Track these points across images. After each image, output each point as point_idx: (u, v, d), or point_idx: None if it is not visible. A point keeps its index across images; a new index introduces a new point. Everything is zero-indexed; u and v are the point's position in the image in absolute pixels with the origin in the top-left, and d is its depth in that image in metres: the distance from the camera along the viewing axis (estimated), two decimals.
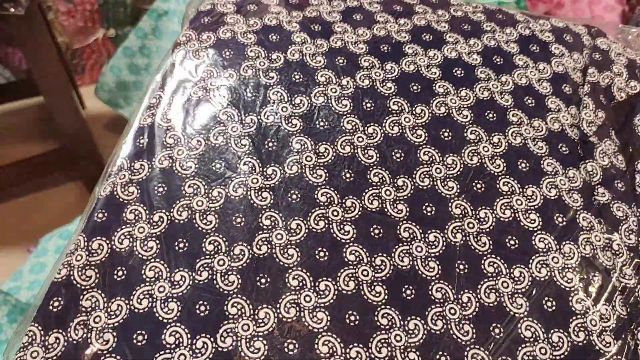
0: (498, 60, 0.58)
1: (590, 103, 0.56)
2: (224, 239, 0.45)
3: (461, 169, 0.51)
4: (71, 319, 0.42)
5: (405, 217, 0.47)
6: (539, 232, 0.48)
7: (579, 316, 0.45)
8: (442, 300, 0.44)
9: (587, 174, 0.52)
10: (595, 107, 0.56)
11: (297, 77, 0.54)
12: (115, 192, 0.47)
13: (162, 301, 0.42)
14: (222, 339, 0.41)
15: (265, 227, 0.46)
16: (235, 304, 0.43)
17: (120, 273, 0.44)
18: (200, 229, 0.46)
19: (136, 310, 0.42)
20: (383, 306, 0.43)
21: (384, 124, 0.52)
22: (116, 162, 0.49)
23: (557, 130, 0.54)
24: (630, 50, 0.62)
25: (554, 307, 0.45)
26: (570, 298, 0.46)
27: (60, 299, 0.43)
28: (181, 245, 0.45)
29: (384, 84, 0.54)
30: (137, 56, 1.07)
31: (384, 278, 0.45)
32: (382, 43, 0.58)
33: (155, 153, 0.49)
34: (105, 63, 1.46)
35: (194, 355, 0.41)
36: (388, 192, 0.49)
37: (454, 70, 0.56)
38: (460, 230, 0.47)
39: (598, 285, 0.47)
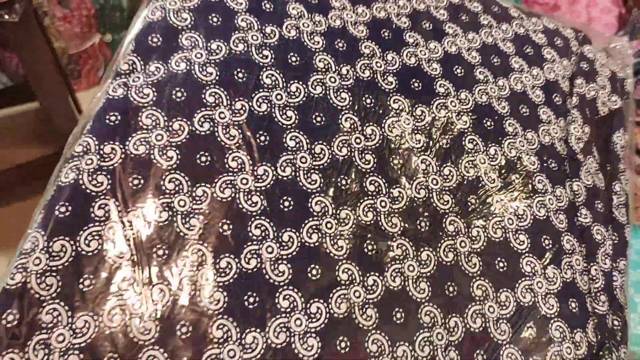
0: (495, 60, 0.58)
1: (578, 117, 0.57)
2: (210, 249, 0.40)
3: (458, 181, 0.50)
4: (29, 337, 0.35)
5: (400, 233, 0.45)
6: (527, 254, 0.49)
7: (556, 344, 0.46)
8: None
9: (573, 194, 0.53)
10: (583, 122, 0.57)
11: (293, 59, 0.49)
12: (80, 181, 0.40)
13: (140, 320, 0.37)
14: None
15: (255, 237, 0.42)
16: (221, 326, 0.37)
17: (87, 282, 0.37)
18: (182, 234, 0.40)
19: (107, 328, 0.36)
20: (373, 331, 0.41)
21: (383, 125, 0.49)
22: (82, 140, 0.41)
23: (548, 144, 0.55)
24: (612, 61, 0.64)
25: (534, 336, 0.45)
26: (550, 325, 0.46)
27: (14, 312, 0.35)
28: (160, 252, 0.39)
29: (385, 77, 0.52)
30: None
31: (375, 300, 0.42)
32: (382, 28, 0.55)
33: (129, 135, 0.42)
34: (101, 68, 1.46)
35: None
36: (383, 203, 0.46)
37: (454, 69, 0.55)
38: (452, 250, 0.46)
39: (575, 311, 0.48)
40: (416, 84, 0.52)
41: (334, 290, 0.41)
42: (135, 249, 0.38)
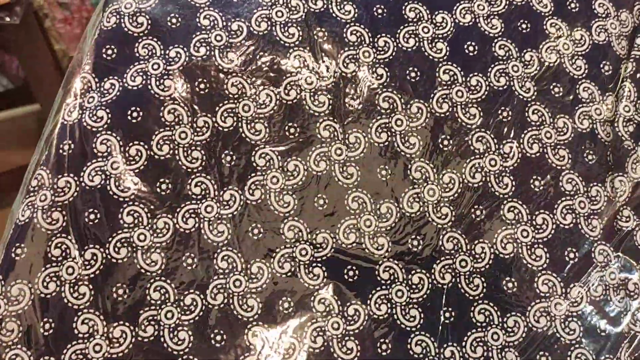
0: (524, 26, 0.45)
1: (632, 90, 0.45)
2: (173, 285, 0.37)
3: (460, 188, 0.42)
4: None
5: (386, 256, 0.40)
6: (544, 271, 0.41)
7: None
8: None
9: (613, 191, 0.43)
10: (638, 97, 0.45)
11: (262, 60, 0.42)
12: (35, 218, 0.38)
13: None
14: None
15: (221, 270, 0.38)
16: None
17: (47, 326, 0.35)
18: (143, 272, 0.37)
19: None
20: None
21: (369, 131, 0.42)
22: (35, 174, 0.39)
23: (586, 131, 0.44)
24: None
25: None
26: (569, 353, 0.39)
27: None
28: (120, 292, 0.37)
29: (375, 69, 0.43)
30: None
31: (356, 331, 0.38)
32: (376, 4, 0.44)
33: (84, 165, 0.39)
34: None
35: None
36: (368, 223, 0.40)
37: (465, 46, 0.44)
38: (450, 271, 0.40)
39: (604, 336, 0.40)
40: (413, 74, 0.43)
41: (310, 324, 0.38)
42: (95, 289, 0.37)
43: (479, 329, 0.39)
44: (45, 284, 0.36)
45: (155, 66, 0.41)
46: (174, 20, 0.42)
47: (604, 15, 0.46)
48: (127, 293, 0.37)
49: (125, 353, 0.36)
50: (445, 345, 0.38)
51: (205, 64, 0.41)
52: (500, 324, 0.39)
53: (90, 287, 0.37)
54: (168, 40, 0.42)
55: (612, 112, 0.44)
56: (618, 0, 0.48)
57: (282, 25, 0.43)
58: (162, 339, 0.36)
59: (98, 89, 0.40)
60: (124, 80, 0.41)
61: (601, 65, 0.45)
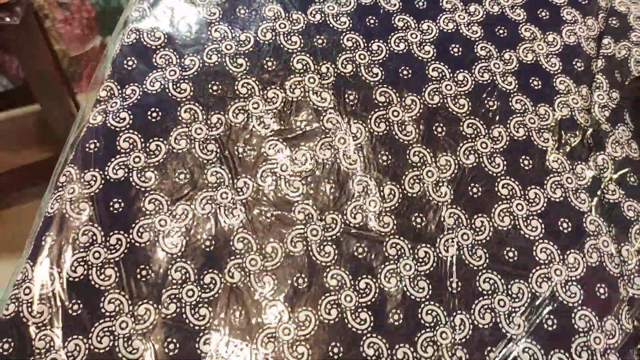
0: (501, 32, 0.51)
1: (603, 82, 0.50)
2: (192, 265, 0.41)
3: (456, 171, 0.46)
4: None
5: (392, 233, 0.43)
6: (541, 241, 0.44)
7: (581, 335, 0.42)
8: None
9: (597, 168, 0.47)
10: (610, 87, 0.50)
11: (269, 64, 0.47)
12: (64, 209, 0.42)
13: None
14: None
15: (237, 251, 0.41)
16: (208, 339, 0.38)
17: (75, 307, 0.38)
18: (165, 253, 0.41)
19: None
20: (369, 335, 0.40)
21: (369, 122, 0.46)
22: (63, 171, 0.43)
23: (566, 117, 0.49)
24: None
25: (554, 326, 0.42)
26: (573, 315, 0.42)
27: (10, 340, 0.37)
28: (144, 273, 0.40)
29: (370, 69, 0.47)
30: None
31: (368, 303, 0.41)
32: (368, 14, 0.50)
33: (108, 161, 0.44)
34: None
35: None
36: (373, 204, 0.44)
37: (450, 48, 0.49)
38: (453, 244, 0.43)
39: (604, 299, 0.43)
40: (405, 72, 0.48)
41: (324, 297, 0.41)
42: (119, 270, 0.40)
43: (486, 297, 0.42)
44: (73, 268, 0.40)
45: (172, 73, 0.46)
46: (187, 34, 0.48)
47: (572, 21, 0.52)
48: (150, 274, 0.40)
49: (150, 329, 0.38)
50: (454, 314, 0.41)
51: (217, 69, 0.47)
52: (505, 291, 0.42)
53: (116, 269, 0.40)
54: (183, 51, 0.47)
55: (587, 101, 0.50)
56: (584, 9, 0.54)
57: (285, 35, 0.48)
58: (184, 315, 0.39)
59: (120, 95, 0.45)
60: (144, 85, 0.46)
61: (574, 62, 0.51)
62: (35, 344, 0.37)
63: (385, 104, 0.46)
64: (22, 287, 0.39)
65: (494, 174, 0.46)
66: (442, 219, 0.44)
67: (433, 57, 0.48)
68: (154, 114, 0.45)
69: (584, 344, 0.41)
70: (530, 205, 0.46)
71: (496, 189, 0.46)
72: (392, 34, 0.48)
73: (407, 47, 0.47)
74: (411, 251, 0.43)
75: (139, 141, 0.44)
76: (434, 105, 0.46)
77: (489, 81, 0.48)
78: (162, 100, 0.45)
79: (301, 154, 0.45)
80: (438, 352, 0.39)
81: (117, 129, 0.44)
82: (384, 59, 0.47)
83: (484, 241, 0.43)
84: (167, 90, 0.46)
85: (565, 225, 0.45)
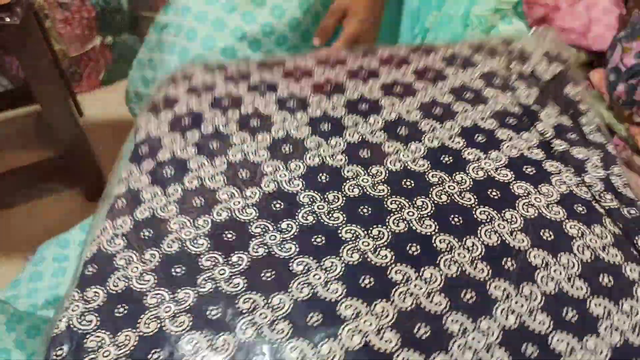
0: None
1: (521, 85, 0.60)
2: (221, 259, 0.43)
3: (433, 208, 0.48)
4: None
5: (392, 262, 0.43)
6: (514, 182, 0.50)
7: (578, 239, 0.46)
8: None
9: (539, 134, 0.54)
10: (527, 87, 0.60)
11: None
12: (101, 244, 0.45)
13: None
14: None
15: (244, 310, 0.40)
16: None
17: (122, 309, 0.40)
18: (193, 254, 0.44)
19: None
20: None
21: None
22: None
23: (501, 110, 0.57)
24: (542, 46, 0.66)
25: (551, 237, 0.46)
26: (563, 226, 0.46)
27: None
28: (177, 269, 0.43)
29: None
30: (147, 69, 1.07)
31: (390, 323, 0.39)
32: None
33: (137, 206, 0.48)
34: (102, 70, 1.46)
35: None
36: (366, 243, 0.44)
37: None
38: (452, 262, 0.43)
39: (584, 213, 0.48)
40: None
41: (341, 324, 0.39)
42: (157, 277, 0.43)
43: (502, 302, 0.41)
44: (115, 284, 0.43)
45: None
46: (178, 270, 0.44)
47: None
48: (183, 269, 0.43)
49: (188, 309, 0.41)
50: (480, 320, 0.40)
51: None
52: (519, 294, 0.42)
53: (154, 275, 0.43)
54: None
55: (514, 99, 0.59)
56: (489, 53, 0.65)
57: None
58: (219, 289, 0.42)
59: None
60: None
61: (493, 80, 0.61)
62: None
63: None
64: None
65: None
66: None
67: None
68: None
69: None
70: (496, 161, 0.52)
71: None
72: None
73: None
74: (417, 274, 0.43)
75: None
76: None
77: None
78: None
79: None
80: None
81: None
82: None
83: None
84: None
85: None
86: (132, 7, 1.41)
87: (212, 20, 0.77)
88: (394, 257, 0.44)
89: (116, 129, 1.33)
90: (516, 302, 0.41)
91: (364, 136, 0.54)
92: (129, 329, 0.40)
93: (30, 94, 1.15)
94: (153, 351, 0.39)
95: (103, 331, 0.40)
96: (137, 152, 0.54)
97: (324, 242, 0.45)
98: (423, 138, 0.54)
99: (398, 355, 0.38)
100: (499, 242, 0.45)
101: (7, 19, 0.88)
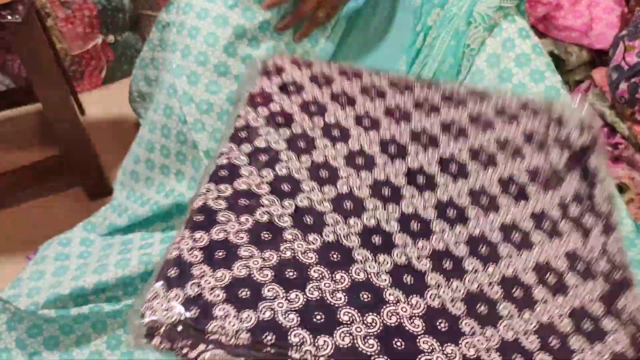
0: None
1: (555, 148, 0.64)
2: (282, 287, 0.49)
3: (425, 307, 0.51)
4: None
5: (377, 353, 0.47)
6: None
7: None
8: None
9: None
10: (560, 150, 0.64)
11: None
12: (182, 254, 0.51)
13: None
14: None
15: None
16: None
17: (192, 312, 0.46)
18: (259, 281, 0.49)
19: None
20: None
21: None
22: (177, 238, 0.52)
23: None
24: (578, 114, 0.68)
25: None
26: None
27: None
28: (243, 294, 0.48)
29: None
30: (149, 68, 1.06)
31: None
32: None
33: (211, 227, 0.53)
34: (104, 69, 1.46)
35: None
36: (359, 329, 0.48)
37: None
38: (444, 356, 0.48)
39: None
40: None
41: None
42: (227, 292, 0.49)
43: None
44: (191, 289, 0.48)
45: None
46: (243, 294, 0.50)
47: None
48: (247, 292, 0.48)
49: (250, 328, 0.47)
50: None
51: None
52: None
53: (224, 291, 0.48)
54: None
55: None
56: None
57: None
58: (277, 320, 0.47)
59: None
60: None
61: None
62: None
63: None
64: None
65: None
66: None
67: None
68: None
69: None
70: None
71: None
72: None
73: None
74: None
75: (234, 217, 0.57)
76: None
77: None
78: None
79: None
80: None
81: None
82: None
83: None
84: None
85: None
86: (134, 5, 1.41)
87: (214, 17, 0.77)
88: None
89: (118, 128, 1.33)
90: None
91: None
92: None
93: (32, 92, 1.15)
94: None
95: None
96: (236, 134, 0.61)
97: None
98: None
99: None
100: None
101: (9, 17, 0.88)
